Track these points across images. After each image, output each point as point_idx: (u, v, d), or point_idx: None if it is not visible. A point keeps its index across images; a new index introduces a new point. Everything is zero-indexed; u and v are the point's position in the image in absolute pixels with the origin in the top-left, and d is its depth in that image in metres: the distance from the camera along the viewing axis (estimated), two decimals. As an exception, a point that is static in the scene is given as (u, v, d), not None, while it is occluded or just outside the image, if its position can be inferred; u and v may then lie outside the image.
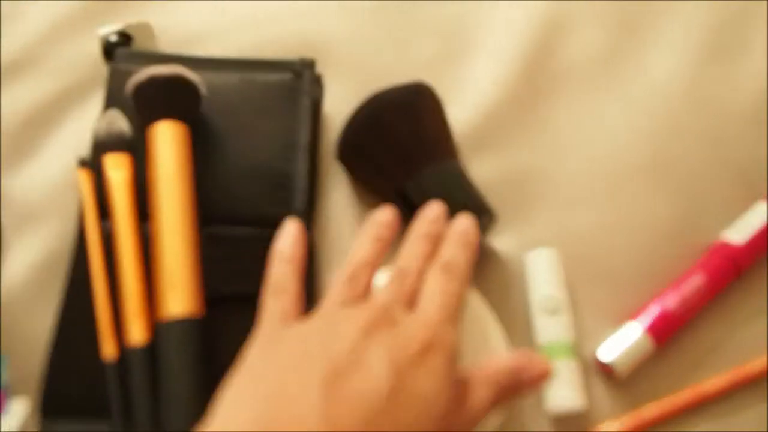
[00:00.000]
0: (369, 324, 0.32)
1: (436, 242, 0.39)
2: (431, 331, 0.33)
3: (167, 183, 0.43)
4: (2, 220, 0.49)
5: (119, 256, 0.43)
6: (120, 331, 0.41)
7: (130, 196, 0.45)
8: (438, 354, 0.32)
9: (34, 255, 0.48)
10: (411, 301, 0.36)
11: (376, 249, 0.38)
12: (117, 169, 0.45)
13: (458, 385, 0.33)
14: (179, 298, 0.40)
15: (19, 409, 0.43)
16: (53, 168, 0.51)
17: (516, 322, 0.46)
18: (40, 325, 0.45)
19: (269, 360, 0.32)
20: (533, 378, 0.35)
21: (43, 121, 0.54)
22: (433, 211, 0.41)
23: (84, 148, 0.48)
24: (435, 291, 0.35)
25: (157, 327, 0.40)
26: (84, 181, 0.46)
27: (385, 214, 0.40)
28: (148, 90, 0.46)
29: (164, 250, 0.41)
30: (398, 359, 0.31)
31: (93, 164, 0.47)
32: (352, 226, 0.49)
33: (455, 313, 0.35)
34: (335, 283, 0.36)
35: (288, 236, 0.40)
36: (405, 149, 0.46)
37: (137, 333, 0.40)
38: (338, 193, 0.51)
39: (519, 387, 0.35)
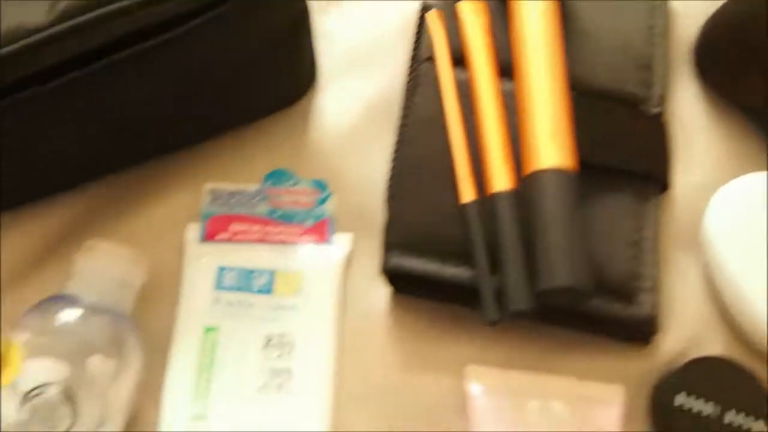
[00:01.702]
0: None
1: None
2: None
3: (538, 36, 0.39)
4: (325, 60, 0.46)
5: (479, 102, 0.39)
6: (476, 178, 0.38)
7: (489, 43, 0.41)
8: None
9: (360, 95, 0.45)
10: None
11: None
12: (475, 14, 0.42)
13: None
14: (557, 150, 0.36)
15: (344, 242, 0.41)
16: (381, 10, 0.48)
17: None
18: (365, 164, 0.42)
19: None
20: None
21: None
22: None
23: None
24: None
25: (531, 176, 0.36)
26: (435, 23, 0.42)
27: None
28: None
29: (540, 100, 0.37)
30: None
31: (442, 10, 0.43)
32: (703, 128, 0.44)
33: None
34: None
35: None
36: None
37: (503, 180, 0.37)
38: (686, 92, 0.45)
39: None
